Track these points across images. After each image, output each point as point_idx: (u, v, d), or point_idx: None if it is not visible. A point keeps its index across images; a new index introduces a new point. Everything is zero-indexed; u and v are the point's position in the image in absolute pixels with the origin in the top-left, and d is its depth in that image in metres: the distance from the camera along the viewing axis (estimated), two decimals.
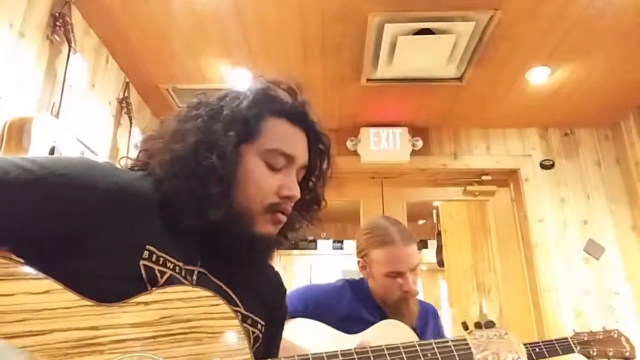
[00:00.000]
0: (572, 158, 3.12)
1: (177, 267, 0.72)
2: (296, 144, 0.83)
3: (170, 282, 0.69)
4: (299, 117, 0.84)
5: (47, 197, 0.65)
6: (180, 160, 0.75)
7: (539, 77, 2.59)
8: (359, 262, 1.53)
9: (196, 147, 0.75)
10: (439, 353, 0.78)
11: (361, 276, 1.57)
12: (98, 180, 0.70)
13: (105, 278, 0.65)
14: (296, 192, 0.80)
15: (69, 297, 0.60)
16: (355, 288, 1.52)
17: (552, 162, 3.11)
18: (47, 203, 0.65)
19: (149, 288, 0.66)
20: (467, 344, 0.84)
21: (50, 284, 0.59)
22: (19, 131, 1.63)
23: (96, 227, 0.67)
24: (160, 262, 0.70)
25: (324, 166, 0.91)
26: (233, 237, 0.76)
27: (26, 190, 0.64)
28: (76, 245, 0.65)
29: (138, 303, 0.63)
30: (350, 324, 1.36)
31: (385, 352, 0.74)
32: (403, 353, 0.75)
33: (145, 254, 0.68)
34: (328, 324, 1.37)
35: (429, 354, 0.77)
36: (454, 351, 0.81)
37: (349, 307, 1.45)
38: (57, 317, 0.58)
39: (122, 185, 0.72)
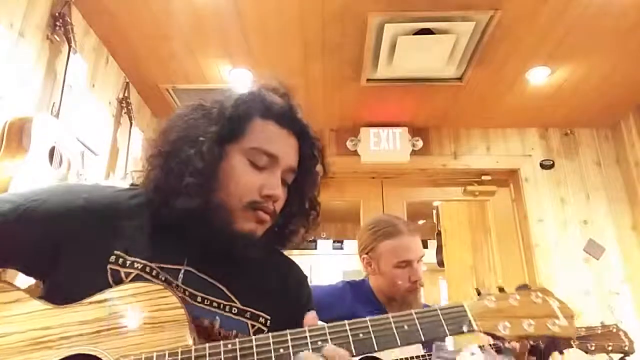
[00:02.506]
0: (572, 158, 3.12)
1: (148, 267, 0.75)
2: (281, 144, 0.83)
3: (136, 281, 0.73)
4: (287, 120, 0.85)
5: (25, 221, 0.74)
6: (164, 154, 0.79)
7: (539, 77, 2.59)
8: (363, 259, 1.54)
9: (178, 142, 0.79)
10: (419, 322, 0.68)
11: (362, 277, 1.58)
12: (68, 198, 0.77)
13: (77, 284, 0.71)
14: (278, 192, 0.80)
15: (33, 304, 0.69)
16: (355, 289, 1.53)
17: (552, 162, 3.11)
18: (26, 225, 0.74)
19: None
20: (464, 310, 0.69)
21: (19, 294, 0.70)
22: (19, 131, 1.63)
23: (68, 238, 0.74)
24: (128, 265, 0.74)
25: (318, 171, 0.90)
26: (212, 232, 0.77)
27: (8, 218, 0.73)
28: (55, 258, 0.73)
29: (91, 302, 0.69)
30: None
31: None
32: (370, 326, 0.68)
33: (112, 258, 0.74)
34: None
35: (405, 326, 0.67)
36: (442, 319, 0.68)
37: (349, 308, 1.45)
38: (19, 321, 0.67)
39: (92, 198, 0.78)
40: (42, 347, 0.65)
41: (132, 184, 0.88)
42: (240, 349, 0.64)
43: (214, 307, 0.77)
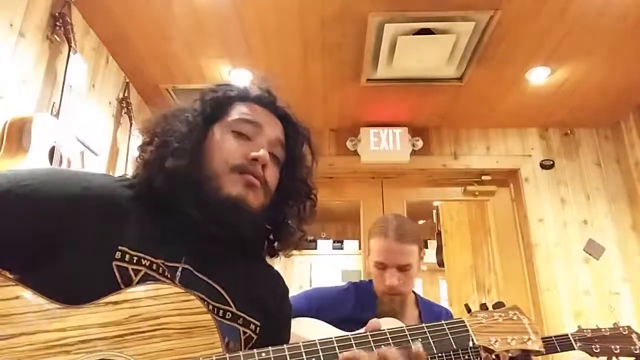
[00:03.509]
0: (572, 158, 3.12)
1: (155, 265, 0.72)
2: (264, 116, 0.87)
3: (145, 280, 0.69)
4: (268, 102, 0.89)
5: (14, 208, 0.67)
6: (155, 135, 0.82)
7: (539, 77, 2.59)
8: (367, 252, 1.57)
9: (168, 122, 0.83)
10: (431, 337, 0.73)
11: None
12: (65, 187, 0.72)
13: (79, 282, 0.66)
14: (264, 154, 0.81)
15: (39, 302, 0.61)
16: (360, 291, 1.53)
17: (552, 162, 3.11)
18: (15, 214, 0.67)
19: (122, 288, 0.67)
20: (465, 326, 0.76)
21: (21, 289, 0.61)
22: (19, 131, 1.63)
23: (66, 233, 0.68)
24: (134, 261, 0.70)
25: (306, 154, 0.92)
26: (202, 204, 0.76)
27: None
28: (49, 251, 0.67)
29: (107, 303, 0.63)
30: (351, 325, 1.37)
31: (370, 338, 0.69)
32: (390, 339, 0.70)
33: (118, 254, 0.69)
34: (329, 323, 1.37)
35: (420, 339, 0.72)
36: (449, 334, 0.74)
37: (351, 309, 1.45)
38: (26, 321, 0.59)
39: (92, 189, 0.74)
40: (58, 352, 0.59)
41: (122, 176, 0.86)
42: (274, 358, 0.64)
43: (209, 310, 0.75)
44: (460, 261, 3.96)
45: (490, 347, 0.76)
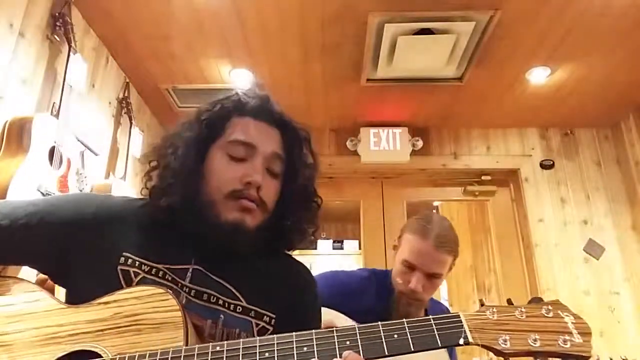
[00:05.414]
0: (572, 158, 3.12)
1: (154, 269, 0.80)
2: (257, 133, 0.87)
3: (143, 282, 0.77)
4: (264, 113, 0.89)
5: (43, 226, 0.81)
6: (154, 165, 0.88)
7: (539, 77, 2.59)
8: (395, 240, 1.51)
9: (163, 151, 0.87)
10: (410, 332, 0.65)
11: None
12: (81, 207, 0.84)
13: (93, 287, 0.76)
14: (257, 178, 0.82)
15: (51, 303, 0.77)
16: (379, 281, 1.47)
17: (552, 162, 3.11)
18: (44, 231, 0.80)
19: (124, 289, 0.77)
20: (460, 321, 0.65)
21: (40, 294, 0.78)
22: (19, 131, 1.63)
23: (81, 245, 0.80)
24: (136, 265, 0.79)
25: (307, 158, 0.93)
26: (203, 228, 0.81)
27: (31, 220, 0.80)
28: (69, 262, 0.80)
29: (99, 303, 0.74)
30: (369, 318, 1.34)
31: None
32: (358, 334, 0.66)
33: (122, 259, 0.79)
34: (348, 314, 1.33)
35: (395, 335, 0.65)
36: (435, 330, 0.65)
37: (371, 301, 1.41)
38: (37, 318, 0.75)
39: (102, 206, 0.85)
40: (52, 343, 0.72)
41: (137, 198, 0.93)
42: (227, 351, 0.66)
43: (219, 304, 0.80)
44: (460, 261, 3.94)
45: (494, 347, 0.63)
